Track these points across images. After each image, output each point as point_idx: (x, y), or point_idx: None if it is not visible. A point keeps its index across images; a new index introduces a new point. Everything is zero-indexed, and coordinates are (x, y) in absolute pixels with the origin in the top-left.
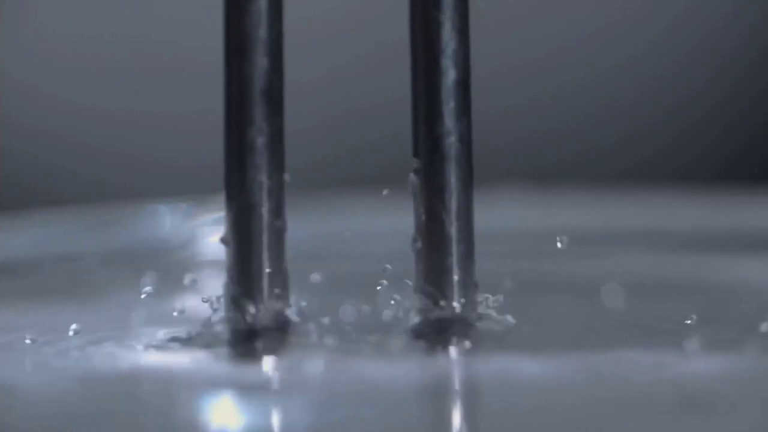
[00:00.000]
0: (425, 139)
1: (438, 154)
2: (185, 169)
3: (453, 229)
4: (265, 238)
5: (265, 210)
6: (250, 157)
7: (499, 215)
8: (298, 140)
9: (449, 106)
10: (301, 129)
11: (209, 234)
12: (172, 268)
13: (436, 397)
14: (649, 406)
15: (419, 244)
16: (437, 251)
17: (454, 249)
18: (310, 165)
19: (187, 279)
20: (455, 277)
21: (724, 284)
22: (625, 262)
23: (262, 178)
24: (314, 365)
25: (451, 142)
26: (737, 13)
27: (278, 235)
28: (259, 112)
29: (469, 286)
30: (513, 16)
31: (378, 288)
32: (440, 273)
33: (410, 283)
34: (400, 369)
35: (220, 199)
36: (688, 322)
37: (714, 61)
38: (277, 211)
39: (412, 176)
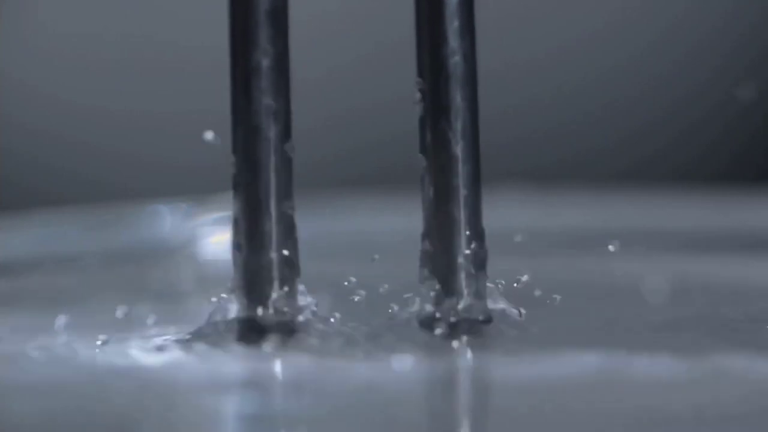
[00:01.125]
0: (429, 59)
1: (443, 74)
2: (185, 169)
3: (459, 149)
4: (272, 160)
5: (272, 133)
6: (256, 80)
7: (499, 215)
8: (298, 140)
9: (453, 26)
10: (301, 129)
11: (209, 234)
12: (172, 268)
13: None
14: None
15: (425, 165)
16: (443, 171)
17: (461, 168)
18: (310, 165)
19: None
20: (462, 196)
21: (723, 284)
22: (625, 262)
23: (269, 101)
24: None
25: (456, 61)
26: (737, 13)
27: (286, 157)
28: (263, 34)
29: (476, 207)
30: (513, 16)
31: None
32: (447, 193)
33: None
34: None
35: (220, 199)
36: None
37: (714, 61)
38: (285, 134)
39: (418, 97)
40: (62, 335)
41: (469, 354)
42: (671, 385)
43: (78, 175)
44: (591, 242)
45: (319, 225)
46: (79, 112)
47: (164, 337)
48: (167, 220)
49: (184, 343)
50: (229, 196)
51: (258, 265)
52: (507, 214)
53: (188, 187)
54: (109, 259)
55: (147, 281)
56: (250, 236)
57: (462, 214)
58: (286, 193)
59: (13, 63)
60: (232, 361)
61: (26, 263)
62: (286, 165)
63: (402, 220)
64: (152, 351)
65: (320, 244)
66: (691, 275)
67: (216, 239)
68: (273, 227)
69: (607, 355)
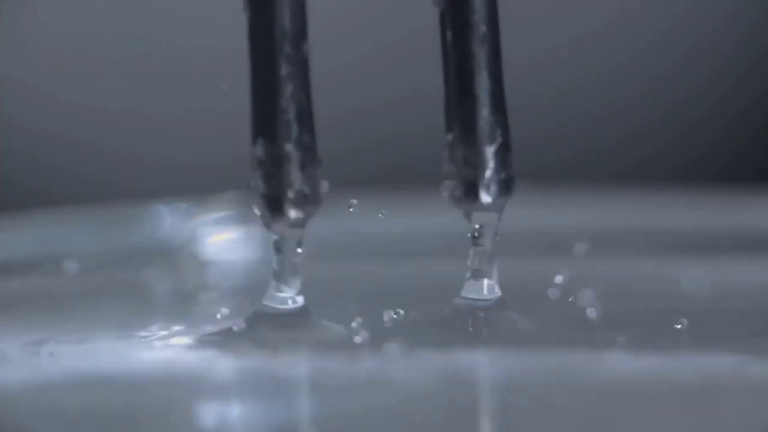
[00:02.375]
0: None
1: None
2: (185, 169)
3: None
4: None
5: None
6: None
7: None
8: None
9: None
10: None
11: (209, 234)
12: (172, 268)
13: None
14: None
15: (443, 6)
16: (461, 11)
17: (478, 4)
18: None
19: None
20: (481, 32)
21: (723, 284)
22: (625, 262)
23: None
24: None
25: None
26: (737, 13)
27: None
28: None
29: (495, 43)
30: (513, 15)
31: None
32: (466, 31)
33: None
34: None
35: (220, 199)
36: (678, 325)
37: (714, 61)
38: None
39: None
40: (62, 336)
41: (481, 350)
42: (673, 384)
43: (78, 175)
44: (591, 242)
45: (319, 225)
46: (79, 112)
47: (165, 337)
48: (167, 220)
49: (186, 343)
50: (230, 196)
51: (274, 109)
52: (507, 214)
53: (188, 187)
54: (109, 259)
55: (147, 281)
56: (266, 81)
57: (482, 51)
58: (301, 36)
59: (13, 63)
60: (239, 361)
61: (26, 263)
62: (300, 7)
63: (403, 221)
64: (153, 351)
65: (320, 244)
66: (690, 275)
67: (216, 239)
68: (289, 69)
69: (610, 356)
